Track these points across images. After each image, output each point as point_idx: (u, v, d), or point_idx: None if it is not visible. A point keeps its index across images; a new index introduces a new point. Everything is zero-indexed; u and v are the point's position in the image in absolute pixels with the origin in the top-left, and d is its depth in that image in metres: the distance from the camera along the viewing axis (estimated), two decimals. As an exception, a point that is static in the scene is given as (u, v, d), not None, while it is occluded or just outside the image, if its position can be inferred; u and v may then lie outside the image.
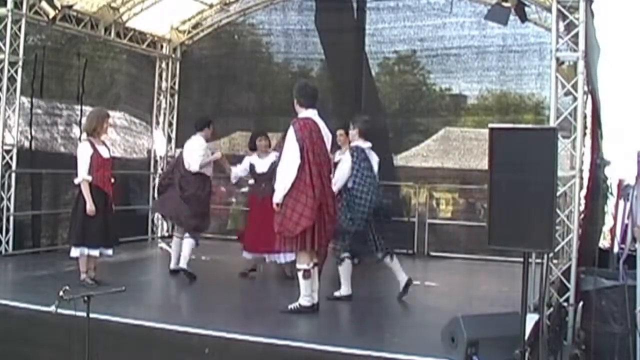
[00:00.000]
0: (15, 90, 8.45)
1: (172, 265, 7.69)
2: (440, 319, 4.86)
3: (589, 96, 6.26)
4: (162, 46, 11.21)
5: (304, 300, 5.87)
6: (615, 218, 5.63)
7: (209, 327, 5.18)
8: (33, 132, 9.29)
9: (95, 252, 6.80)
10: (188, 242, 7.46)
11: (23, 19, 8.48)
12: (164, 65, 11.37)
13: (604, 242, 6.69)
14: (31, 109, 9.30)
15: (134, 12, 10.02)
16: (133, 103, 11.14)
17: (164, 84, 11.38)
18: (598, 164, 6.18)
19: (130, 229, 10.07)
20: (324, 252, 5.99)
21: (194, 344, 5.04)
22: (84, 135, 7.05)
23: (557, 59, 5.83)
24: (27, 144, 9.17)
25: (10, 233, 8.51)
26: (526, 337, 4.33)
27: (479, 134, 10.06)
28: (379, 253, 6.67)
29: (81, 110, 9.78)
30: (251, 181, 7.97)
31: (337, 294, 6.63)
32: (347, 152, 6.76)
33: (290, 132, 5.75)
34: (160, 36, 11.04)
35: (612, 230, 5.82)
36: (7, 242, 8.48)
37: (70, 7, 8.96)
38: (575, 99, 5.87)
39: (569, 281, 5.58)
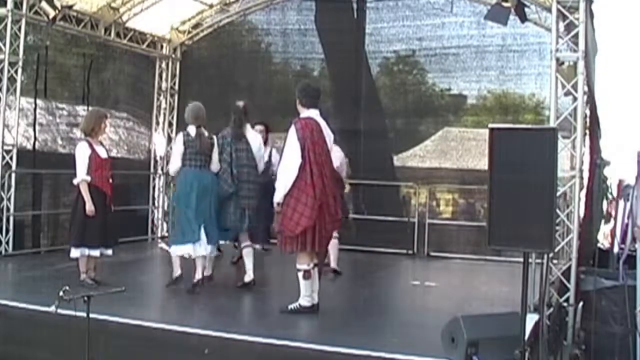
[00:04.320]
0: (15, 90, 8.46)
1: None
2: (440, 319, 4.86)
3: (589, 96, 6.26)
4: (162, 46, 11.22)
5: (304, 301, 5.87)
6: (615, 218, 5.63)
7: (208, 327, 5.18)
8: (36, 133, 9.30)
9: (95, 253, 6.79)
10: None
11: (23, 19, 8.48)
12: (164, 65, 11.38)
13: (604, 242, 6.70)
14: (34, 110, 9.32)
15: (134, 12, 10.02)
16: (133, 103, 11.15)
17: (164, 84, 11.38)
18: (598, 164, 6.18)
19: (130, 229, 10.08)
20: (324, 252, 5.98)
21: (194, 344, 5.04)
22: (82, 136, 7.05)
23: (557, 59, 5.83)
24: (29, 144, 9.17)
25: (10, 233, 8.50)
26: (526, 337, 4.33)
27: (478, 134, 10.06)
28: None
29: (87, 111, 9.79)
30: None
31: None
32: None
33: (292, 132, 5.75)
34: (160, 36, 11.05)
35: (612, 231, 5.83)
36: (7, 242, 8.47)
37: (70, 7, 8.95)
38: (575, 99, 5.87)
39: (569, 281, 5.58)
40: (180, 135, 6.91)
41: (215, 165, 6.89)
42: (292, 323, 5.65)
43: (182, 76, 11.49)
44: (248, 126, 7.11)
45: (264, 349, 4.90)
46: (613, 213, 5.87)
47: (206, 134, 6.87)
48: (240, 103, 7.17)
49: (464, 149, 10.27)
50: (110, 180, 7.01)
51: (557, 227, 5.53)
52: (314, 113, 5.89)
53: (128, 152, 11.00)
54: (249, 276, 6.91)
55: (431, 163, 10.50)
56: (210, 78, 11.34)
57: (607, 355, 5.01)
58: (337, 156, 7.19)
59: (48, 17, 8.47)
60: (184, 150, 6.71)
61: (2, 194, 8.45)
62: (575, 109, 5.83)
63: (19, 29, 8.47)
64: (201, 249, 6.66)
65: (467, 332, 4.45)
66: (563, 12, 5.87)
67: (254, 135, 7.16)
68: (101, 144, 6.98)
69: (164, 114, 11.40)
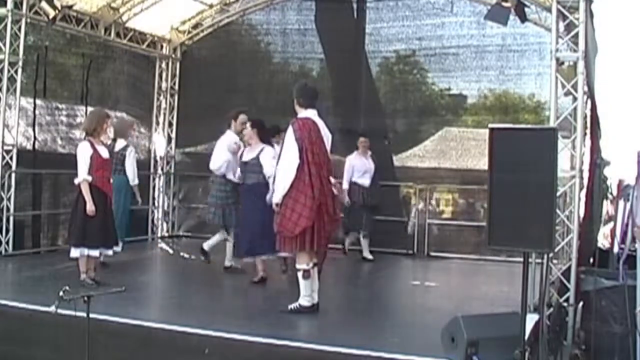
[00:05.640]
0: (15, 90, 8.46)
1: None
2: (440, 319, 4.86)
3: (589, 96, 6.26)
4: (162, 46, 11.22)
5: (304, 300, 5.87)
6: (615, 218, 5.63)
7: (209, 327, 5.18)
8: (36, 133, 9.30)
9: (95, 253, 6.79)
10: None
11: (23, 19, 8.48)
12: (164, 65, 11.38)
13: (604, 242, 6.70)
14: (34, 110, 9.32)
15: (134, 12, 10.02)
16: (133, 103, 11.15)
17: (164, 84, 11.39)
18: (598, 164, 6.18)
19: (130, 229, 10.06)
20: (323, 252, 5.99)
21: (194, 344, 5.04)
22: (84, 136, 7.05)
23: (557, 59, 5.83)
24: (29, 144, 9.17)
25: (10, 233, 8.50)
26: (526, 337, 4.33)
27: (477, 134, 10.06)
28: None
29: (86, 111, 9.80)
30: None
31: None
32: None
33: (289, 132, 5.75)
34: (160, 36, 11.05)
35: (612, 231, 5.82)
36: (7, 242, 8.47)
37: (70, 7, 8.95)
38: (575, 99, 5.87)
39: (569, 281, 5.59)
40: None
41: (131, 176, 8.04)
42: (292, 323, 5.66)
43: (182, 76, 11.49)
44: (228, 132, 7.81)
45: (264, 349, 4.90)
46: (613, 212, 5.87)
47: (118, 146, 7.96)
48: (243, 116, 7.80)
49: (464, 149, 10.26)
50: (111, 180, 7.01)
51: (557, 227, 5.53)
52: (311, 113, 5.89)
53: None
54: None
55: (431, 163, 10.49)
56: (210, 78, 11.34)
57: (607, 355, 5.01)
58: None
59: (48, 17, 8.47)
60: None
61: (2, 194, 8.45)
62: (575, 109, 5.83)
63: (19, 29, 8.47)
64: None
65: (467, 332, 4.45)
66: (563, 12, 5.87)
67: (220, 141, 7.78)
68: (103, 144, 6.98)
69: (164, 114, 11.40)
